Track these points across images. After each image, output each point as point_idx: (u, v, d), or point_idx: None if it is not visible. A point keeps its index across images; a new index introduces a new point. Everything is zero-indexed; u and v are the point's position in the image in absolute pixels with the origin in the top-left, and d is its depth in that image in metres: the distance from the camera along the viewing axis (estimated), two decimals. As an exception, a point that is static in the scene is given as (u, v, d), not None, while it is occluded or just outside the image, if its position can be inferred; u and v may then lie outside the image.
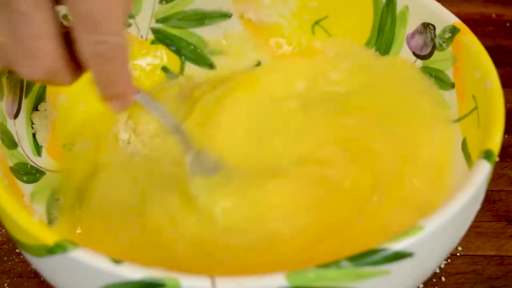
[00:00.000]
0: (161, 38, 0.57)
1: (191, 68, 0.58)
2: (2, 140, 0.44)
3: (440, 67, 0.50)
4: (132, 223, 0.46)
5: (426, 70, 0.52)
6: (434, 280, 0.49)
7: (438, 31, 0.50)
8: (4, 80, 0.45)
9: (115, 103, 0.40)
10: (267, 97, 0.54)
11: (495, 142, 0.39)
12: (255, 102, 0.53)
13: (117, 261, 0.33)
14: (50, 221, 0.47)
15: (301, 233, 0.44)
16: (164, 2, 0.56)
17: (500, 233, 0.52)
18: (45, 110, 0.50)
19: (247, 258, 0.43)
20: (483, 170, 0.38)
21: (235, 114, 0.52)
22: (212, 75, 0.58)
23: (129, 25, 0.55)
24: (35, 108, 0.49)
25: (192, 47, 0.58)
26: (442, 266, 0.50)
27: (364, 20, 0.55)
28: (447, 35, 0.49)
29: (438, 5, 0.51)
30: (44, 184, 0.48)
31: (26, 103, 0.48)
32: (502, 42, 0.70)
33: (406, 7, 0.52)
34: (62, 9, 0.37)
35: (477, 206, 0.40)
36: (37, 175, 0.48)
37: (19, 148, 0.46)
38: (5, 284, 0.48)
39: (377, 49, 0.55)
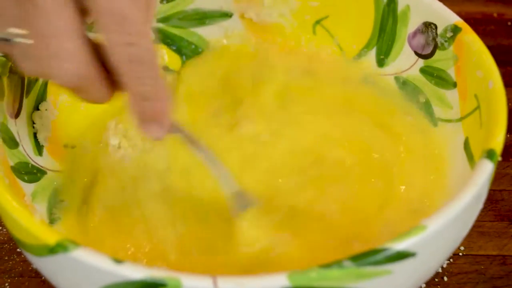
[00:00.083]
0: (161, 37, 0.57)
1: (191, 68, 0.58)
2: (3, 140, 0.44)
3: (442, 67, 0.50)
4: (135, 228, 0.46)
5: (428, 70, 0.52)
6: (436, 280, 0.49)
7: (439, 30, 0.50)
8: (5, 79, 0.45)
9: (153, 127, 0.38)
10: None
11: (498, 142, 0.39)
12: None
13: (118, 261, 0.33)
14: (52, 221, 0.46)
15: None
16: (164, 2, 0.56)
17: (503, 232, 0.52)
18: (46, 109, 0.50)
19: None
20: (486, 169, 0.38)
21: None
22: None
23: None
24: (36, 108, 0.49)
25: (193, 46, 0.58)
26: (445, 265, 0.50)
27: (365, 20, 0.55)
28: (449, 34, 0.49)
29: (440, 4, 0.50)
30: (45, 183, 0.48)
31: (27, 103, 0.48)
32: (503, 41, 0.70)
33: (408, 7, 0.52)
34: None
35: (480, 205, 0.40)
36: (38, 174, 0.48)
37: (20, 148, 0.46)
38: (6, 284, 0.48)
39: (378, 49, 0.55)
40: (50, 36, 0.35)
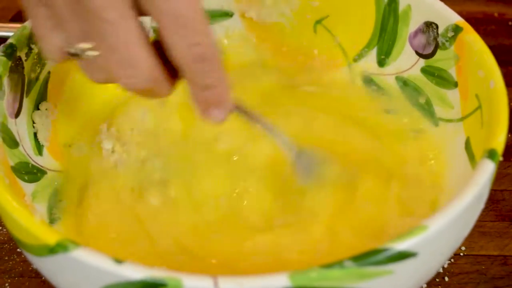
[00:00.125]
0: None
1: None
2: (3, 139, 0.44)
3: (443, 66, 0.50)
4: (133, 232, 0.46)
5: (429, 70, 0.51)
6: (437, 280, 0.49)
7: (441, 30, 0.50)
8: (5, 79, 0.45)
9: (215, 111, 0.39)
10: None
11: (499, 142, 0.39)
12: None
13: (118, 261, 0.33)
14: (52, 221, 0.46)
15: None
16: (165, 1, 0.56)
17: (504, 232, 0.52)
18: (46, 109, 0.50)
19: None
20: (487, 169, 0.38)
21: None
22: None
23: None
24: (36, 107, 0.49)
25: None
26: (446, 266, 0.49)
27: (366, 19, 0.55)
28: (450, 34, 0.49)
29: (441, 4, 0.50)
30: (46, 183, 0.48)
31: (27, 102, 0.48)
32: (504, 41, 0.70)
33: (409, 6, 0.52)
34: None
35: (481, 205, 0.39)
36: (38, 174, 0.48)
37: (20, 148, 0.46)
38: (6, 284, 0.48)
39: (379, 48, 0.55)
40: (118, 48, 0.36)
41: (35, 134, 0.48)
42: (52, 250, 0.34)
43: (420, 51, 0.52)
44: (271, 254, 0.43)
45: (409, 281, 0.37)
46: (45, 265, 0.37)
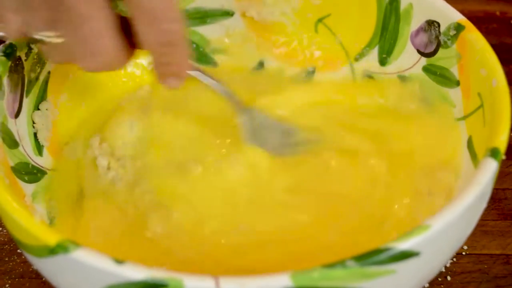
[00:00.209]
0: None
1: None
2: (3, 140, 0.44)
3: (445, 65, 0.50)
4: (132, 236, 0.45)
5: (431, 68, 0.51)
6: (439, 279, 0.48)
7: (442, 28, 0.50)
8: (5, 79, 0.45)
9: (171, 81, 0.42)
10: None
11: (502, 140, 0.39)
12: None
13: (119, 261, 0.33)
14: (52, 221, 0.46)
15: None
16: (166, 1, 0.56)
17: (506, 231, 0.52)
18: (46, 109, 0.50)
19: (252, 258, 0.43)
20: (490, 168, 0.38)
21: None
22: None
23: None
24: (36, 108, 0.49)
25: (194, 45, 0.58)
26: (448, 265, 0.49)
27: (367, 18, 0.55)
28: (452, 32, 0.49)
29: (443, 2, 0.50)
30: (46, 183, 0.48)
31: (27, 103, 0.48)
32: (506, 39, 0.70)
33: (410, 5, 0.52)
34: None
35: (484, 204, 0.39)
36: (39, 174, 0.48)
37: (20, 148, 0.46)
38: (7, 285, 0.48)
39: (381, 47, 0.55)
40: (88, 37, 0.37)
41: (35, 134, 0.48)
42: (53, 251, 0.34)
43: (422, 50, 0.52)
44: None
45: (412, 280, 0.37)
46: (46, 266, 0.37)
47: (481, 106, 0.45)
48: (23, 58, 0.47)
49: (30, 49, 0.47)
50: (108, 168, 0.49)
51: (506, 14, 0.73)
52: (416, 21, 0.52)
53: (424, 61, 0.52)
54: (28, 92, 0.48)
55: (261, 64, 0.58)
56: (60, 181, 0.49)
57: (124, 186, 0.48)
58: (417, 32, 0.52)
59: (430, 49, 0.51)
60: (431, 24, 0.50)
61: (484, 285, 0.48)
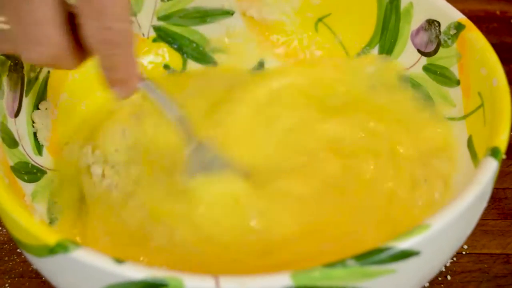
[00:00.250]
0: (163, 36, 0.57)
1: (193, 66, 0.58)
2: (3, 139, 0.44)
3: (445, 64, 0.50)
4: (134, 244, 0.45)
5: (431, 67, 0.51)
6: (440, 278, 0.48)
7: (443, 27, 0.50)
8: (4, 78, 0.45)
9: (119, 89, 0.41)
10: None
11: (502, 140, 0.39)
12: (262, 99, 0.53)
13: (119, 261, 0.33)
14: (52, 221, 0.46)
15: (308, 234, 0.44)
16: (166, 0, 0.56)
17: (506, 231, 0.52)
18: (46, 109, 0.50)
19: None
20: (490, 167, 0.38)
21: (244, 105, 0.52)
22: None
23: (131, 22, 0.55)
24: (36, 107, 0.49)
25: (194, 45, 0.58)
26: (448, 264, 0.49)
27: (367, 17, 0.55)
28: (452, 31, 0.49)
29: (443, 1, 0.50)
30: (45, 183, 0.48)
31: (27, 102, 0.48)
32: (506, 39, 0.70)
33: (411, 4, 0.52)
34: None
35: (484, 204, 0.39)
36: (38, 174, 0.48)
37: (19, 147, 0.46)
38: (6, 285, 0.48)
39: (381, 47, 0.55)
40: (31, 24, 0.37)
41: (34, 134, 0.48)
42: (52, 250, 0.34)
43: (422, 49, 0.52)
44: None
45: (412, 279, 0.36)
46: (45, 266, 0.37)
47: (482, 105, 0.45)
48: (23, 57, 0.47)
49: (30, 48, 0.47)
50: (103, 175, 0.49)
51: (507, 13, 0.73)
52: (417, 20, 0.52)
53: (424, 60, 0.52)
54: (27, 92, 0.48)
55: (261, 64, 0.58)
56: (62, 182, 0.49)
57: (120, 193, 0.47)
58: (418, 31, 0.52)
59: (431, 48, 0.51)
60: (432, 23, 0.50)
61: (484, 285, 0.48)
